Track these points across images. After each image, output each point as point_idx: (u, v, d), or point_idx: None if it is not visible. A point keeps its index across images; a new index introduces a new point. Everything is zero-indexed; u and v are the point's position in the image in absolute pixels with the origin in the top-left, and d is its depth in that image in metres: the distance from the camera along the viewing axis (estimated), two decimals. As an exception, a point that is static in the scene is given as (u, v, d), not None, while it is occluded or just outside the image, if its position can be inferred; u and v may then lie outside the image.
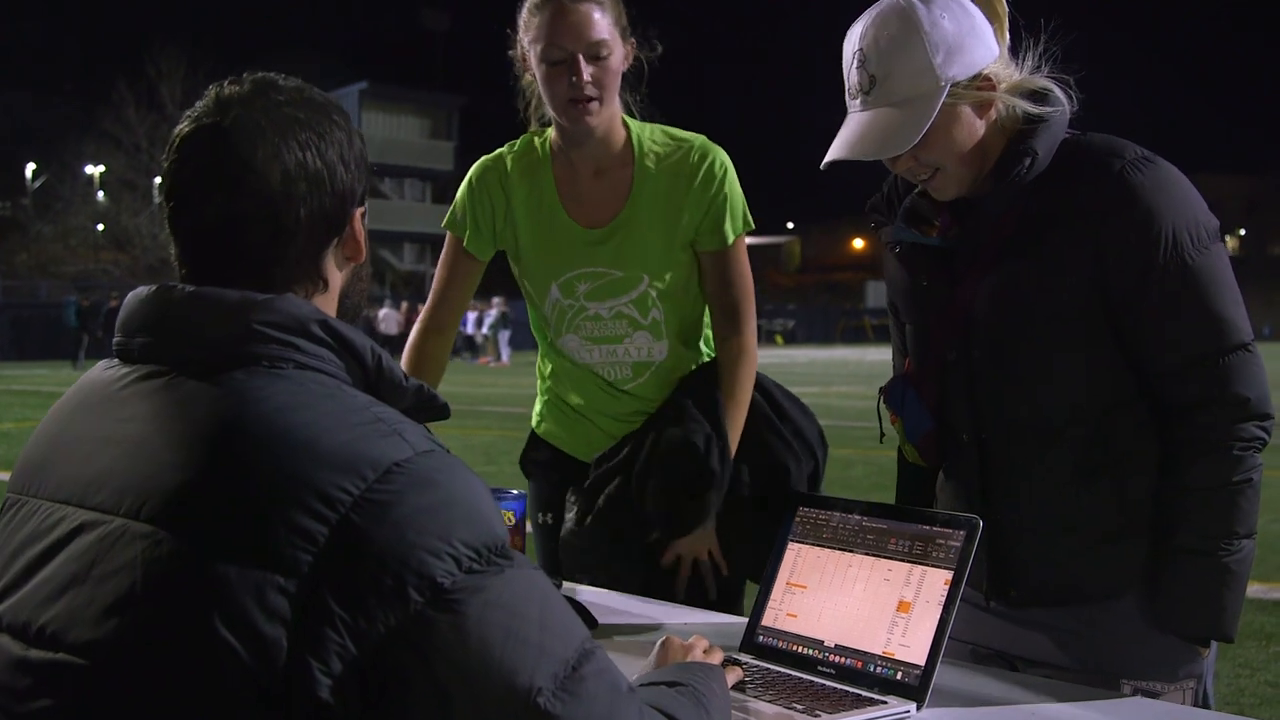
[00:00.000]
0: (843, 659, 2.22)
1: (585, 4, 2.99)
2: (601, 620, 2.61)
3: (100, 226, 68.05)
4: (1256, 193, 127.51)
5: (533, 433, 3.51)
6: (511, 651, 1.43)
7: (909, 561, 2.21)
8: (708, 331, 3.39)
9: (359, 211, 1.72)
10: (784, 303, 79.12)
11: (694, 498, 3.09)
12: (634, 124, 3.24)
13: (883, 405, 2.61)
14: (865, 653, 2.19)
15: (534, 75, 3.13)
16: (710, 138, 3.28)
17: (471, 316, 48.04)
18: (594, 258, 3.18)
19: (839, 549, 2.33)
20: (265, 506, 1.41)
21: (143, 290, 1.64)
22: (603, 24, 3.01)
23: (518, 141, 3.33)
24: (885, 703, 2.07)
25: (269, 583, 1.38)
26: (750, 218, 3.28)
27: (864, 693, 2.11)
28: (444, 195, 75.93)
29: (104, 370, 1.66)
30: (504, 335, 45.00)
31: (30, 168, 71.87)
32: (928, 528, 2.23)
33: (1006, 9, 2.43)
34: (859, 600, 2.25)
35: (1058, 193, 2.34)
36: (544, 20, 3.00)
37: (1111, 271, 2.29)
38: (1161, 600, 2.32)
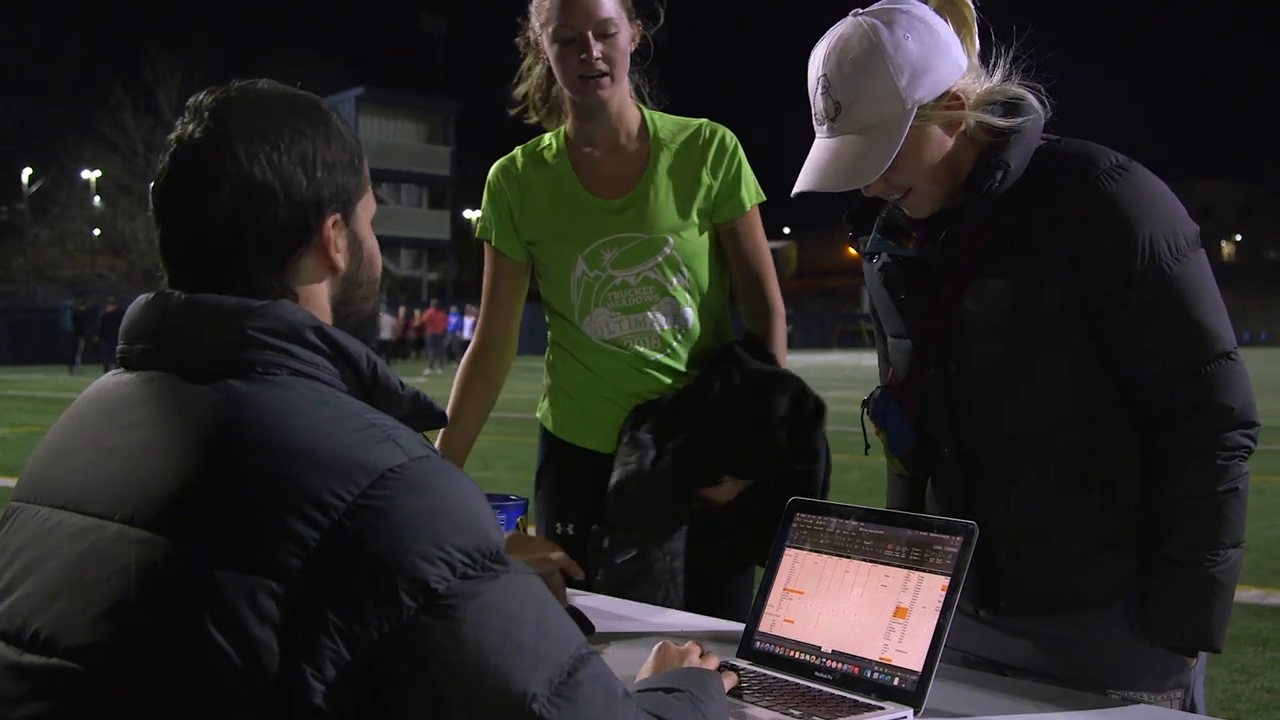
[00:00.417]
0: (839, 664, 2.21)
1: None
2: (598, 626, 2.61)
3: (97, 231, 68.12)
4: (1252, 198, 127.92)
5: (553, 440, 3.48)
6: (507, 657, 1.43)
7: (906, 567, 2.21)
8: (725, 326, 3.43)
9: (330, 220, 1.68)
10: (781, 308, 78.36)
11: (793, 433, 3.18)
12: (645, 109, 3.37)
13: (867, 418, 2.60)
14: (862, 658, 2.18)
15: (545, 57, 3.25)
16: None
17: (468, 323, 48.14)
18: (617, 225, 3.26)
19: (836, 555, 2.32)
20: (258, 511, 1.42)
21: (142, 298, 1.66)
22: (609, 4, 3.14)
23: (530, 142, 3.43)
24: (882, 708, 2.06)
25: (260, 586, 1.38)
26: (761, 189, 3.40)
27: (861, 698, 2.10)
28: (440, 200, 76.41)
29: (109, 378, 1.67)
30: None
31: (27, 172, 71.93)
32: (925, 533, 2.22)
33: (974, 13, 2.40)
34: (856, 606, 2.24)
35: (1032, 203, 2.32)
36: (555, 3, 3.14)
37: (1089, 281, 2.28)
38: (1148, 610, 2.32)
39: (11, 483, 12.40)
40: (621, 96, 3.28)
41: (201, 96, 1.70)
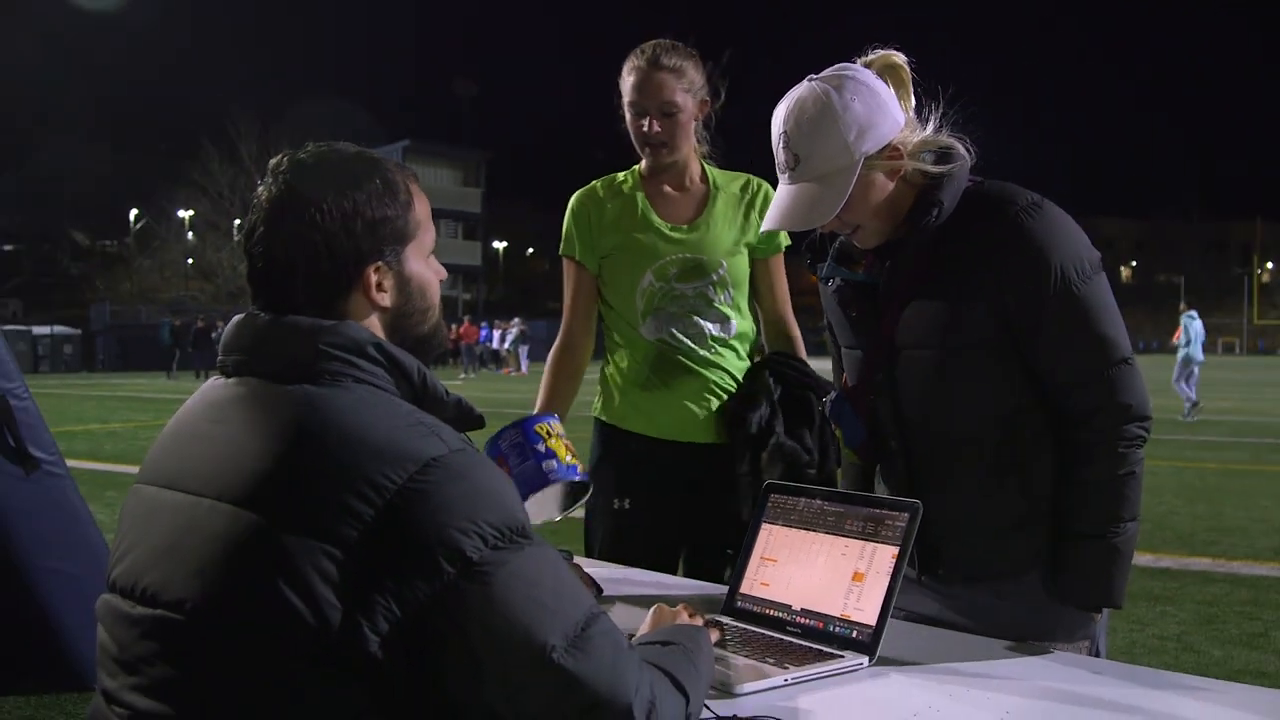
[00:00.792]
0: (807, 620, 2.20)
1: (661, 73, 3.23)
2: (605, 590, 2.60)
3: (190, 260, 68.31)
4: (1144, 233, 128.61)
5: (609, 430, 3.44)
6: (531, 614, 1.44)
7: (862, 539, 2.20)
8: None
9: (373, 267, 1.69)
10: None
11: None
12: (704, 163, 3.46)
13: (825, 415, 2.62)
14: (826, 615, 2.18)
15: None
16: None
17: (496, 334, 48.17)
18: (683, 247, 3.31)
19: (805, 529, 2.32)
20: (324, 490, 1.44)
21: (236, 318, 1.70)
22: (675, 88, 3.24)
23: (605, 176, 3.50)
24: (842, 657, 2.06)
25: (324, 552, 1.41)
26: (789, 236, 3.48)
27: (825, 648, 2.10)
28: (473, 233, 76.76)
29: (210, 384, 1.70)
30: (523, 349, 45.06)
31: (133, 213, 72.14)
32: (878, 510, 2.22)
33: (910, 75, 2.39)
34: (821, 571, 2.24)
35: (962, 235, 2.32)
36: (631, 83, 3.26)
37: (1010, 301, 2.27)
38: (1061, 576, 2.31)
39: (123, 468, 12.48)
40: (686, 153, 3.36)
41: (280, 159, 1.72)
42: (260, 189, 1.69)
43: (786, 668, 2.00)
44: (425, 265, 1.79)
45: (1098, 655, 2.36)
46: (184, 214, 68.37)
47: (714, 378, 3.31)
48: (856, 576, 2.17)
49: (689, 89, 3.25)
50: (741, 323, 3.39)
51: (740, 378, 3.35)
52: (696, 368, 3.30)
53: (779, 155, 2.34)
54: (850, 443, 2.56)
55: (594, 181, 3.49)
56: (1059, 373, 2.29)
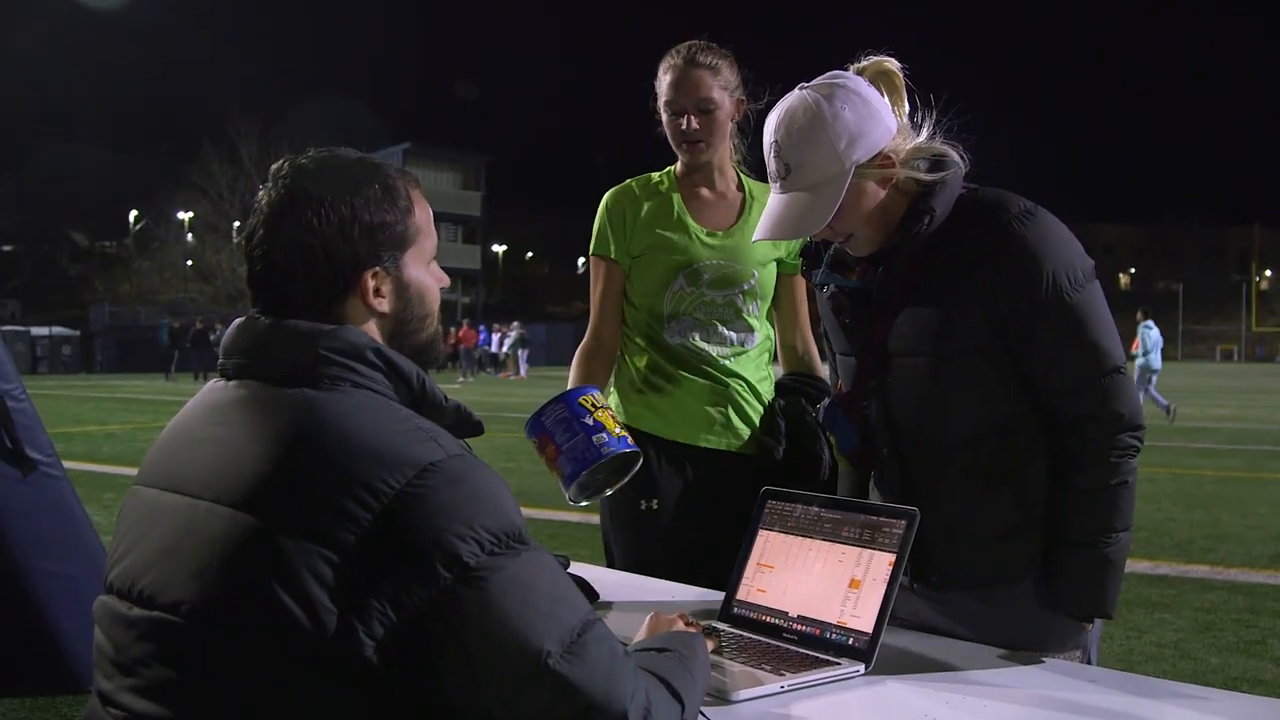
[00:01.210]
0: (804, 627, 2.20)
1: (698, 70, 3.23)
2: (603, 596, 2.60)
3: (189, 262, 68.36)
4: (1143, 240, 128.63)
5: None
6: (526, 620, 1.44)
7: (859, 546, 2.20)
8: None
9: (370, 272, 1.69)
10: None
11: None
12: (739, 171, 3.45)
13: (819, 422, 2.61)
14: (822, 622, 2.17)
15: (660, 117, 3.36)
16: None
17: (495, 338, 48.16)
18: (716, 253, 3.29)
19: (801, 535, 2.31)
20: (322, 494, 1.44)
21: (236, 321, 1.71)
22: (712, 85, 3.24)
23: (640, 176, 3.47)
24: (839, 664, 2.06)
25: (320, 556, 1.41)
26: None
27: (821, 655, 2.10)
28: (472, 236, 76.87)
29: (210, 386, 1.71)
30: (522, 353, 45.05)
31: (132, 214, 72.19)
32: (874, 518, 2.21)
33: (904, 81, 2.39)
34: (817, 578, 2.24)
35: (955, 242, 2.31)
36: (669, 81, 3.25)
37: (1003, 309, 2.27)
38: (1053, 585, 2.31)
39: (120, 470, 12.47)
40: (722, 155, 3.35)
41: (281, 164, 1.72)
42: (261, 193, 1.69)
43: (783, 675, 1.99)
44: (425, 271, 1.78)
45: (1089, 664, 2.36)
46: (184, 216, 68.36)
47: (734, 386, 3.28)
48: (853, 583, 2.17)
49: (725, 87, 3.25)
50: (763, 336, 3.37)
51: (755, 387, 3.32)
52: (717, 375, 3.28)
53: (770, 164, 2.35)
54: (843, 449, 2.56)
55: (629, 180, 3.46)
56: (1051, 380, 2.29)
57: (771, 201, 2.36)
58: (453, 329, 45.38)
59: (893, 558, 2.14)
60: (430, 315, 1.80)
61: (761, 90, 3.31)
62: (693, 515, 3.25)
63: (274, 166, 1.73)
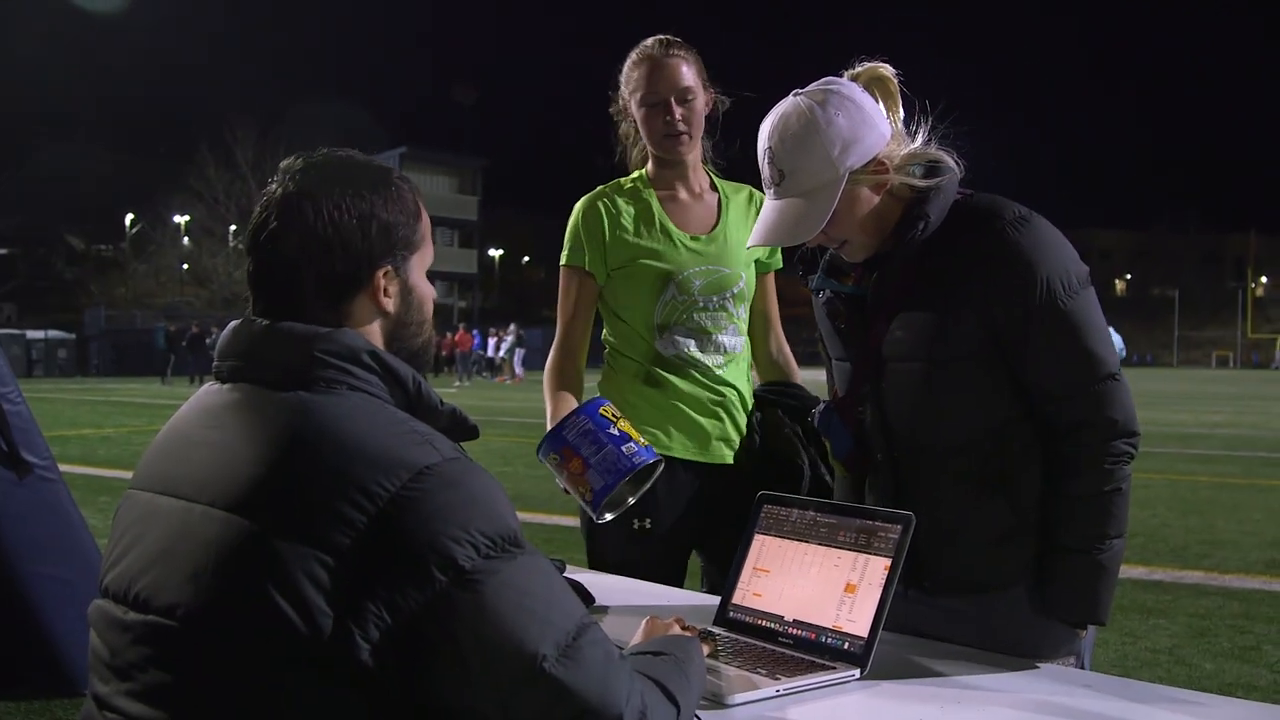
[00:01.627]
0: (799, 631, 2.20)
1: (674, 60, 3.18)
2: (599, 600, 2.59)
3: (185, 266, 68.37)
4: (1139, 245, 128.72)
5: None
6: (522, 624, 1.44)
7: (855, 550, 2.20)
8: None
9: (382, 270, 1.69)
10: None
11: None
12: (708, 169, 3.40)
13: (815, 428, 2.61)
14: (818, 626, 2.18)
15: (634, 121, 3.28)
16: None
17: (491, 341, 48.14)
18: (705, 258, 3.23)
19: (797, 540, 2.32)
20: (317, 497, 1.44)
21: (232, 324, 1.70)
22: (689, 75, 3.19)
23: (610, 182, 3.39)
24: (834, 668, 2.06)
25: (315, 559, 1.41)
26: None
27: (817, 659, 2.10)
28: (469, 240, 76.89)
29: (205, 390, 1.70)
30: (518, 355, 44.99)
31: (129, 217, 72.18)
32: (870, 522, 2.22)
33: (898, 87, 2.40)
34: (813, 582, 2.24)
35: (950, 248, 2.32)
36: (643, 74, 3.19)
37: (997, 314, 2.27)
38: (1046, 591, 2.31)
39: (116, 473, 12.46)
40: (697, 153, 3.30)
41: (291, 160, 1.72)
42: (271, 188, 1.69)
43: (778, 679, 1.99)
44: (424, 280, 1.80)
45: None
46: (180, 219, 68.38)
47: (727, 395, 3.23)
48: (849, 588, 2.17)
49: (700, 77, 3.21)
50: (747, 341, 3.34)
51: (745, 395, 3.28)
52: (710, 384, 3.21)
53: (764, 171, 2.36)
54: (838, 454, 2.56)
55: (599, 188, 3.35)
56: (1045, 386, 2.29)
57: (766, 208, 2.37)
58: (448, 333, 45.39)
59: (888, 562, 2.14)
60: (426, 321, 1.81)
61: (726, 91, 3.30)
62: (685, 532, 3.20)
63: (284, 163, 1.73)
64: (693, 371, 3.21)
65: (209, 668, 1.45)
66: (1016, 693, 2.00)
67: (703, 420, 3.20)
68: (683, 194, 3.30)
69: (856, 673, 2.06)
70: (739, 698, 1.91)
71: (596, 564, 3.20)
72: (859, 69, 2.39)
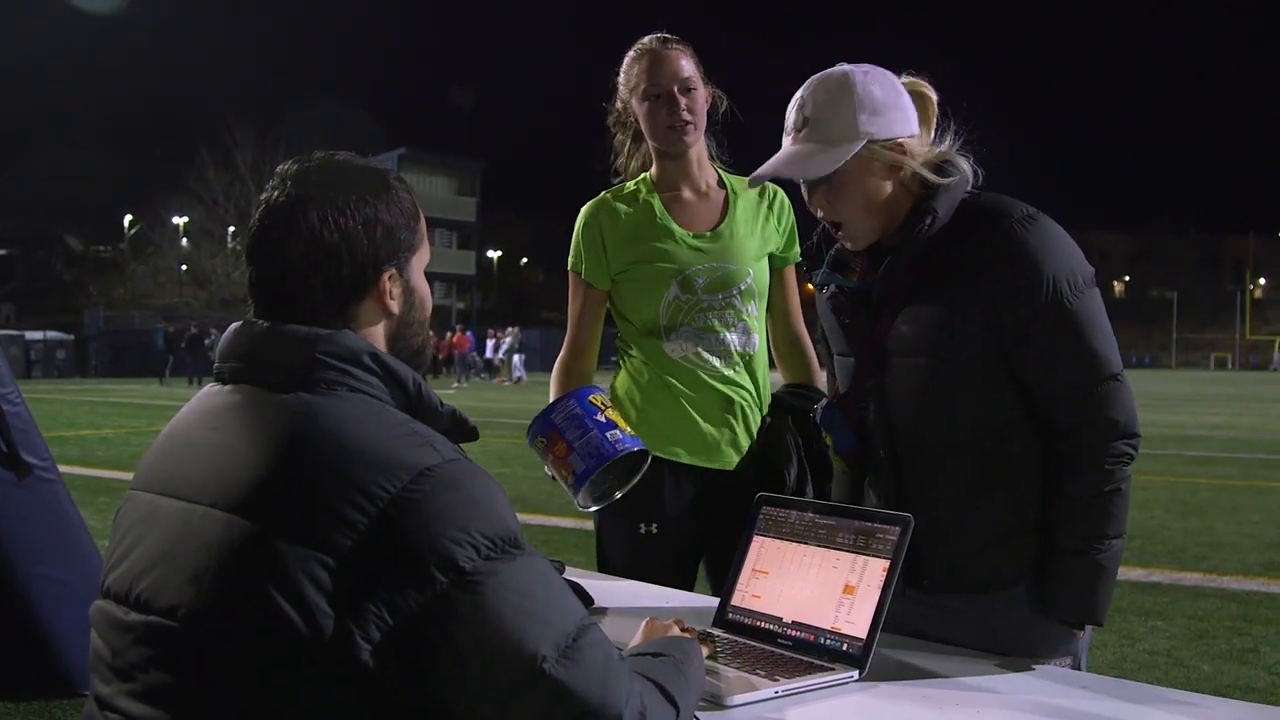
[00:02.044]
0: (798, 633, 2.21)
1: (673, 51, 3.19)
2: (598, 601, 2.60)
3: (184, 267, 68.37)
4: (1137, 248, 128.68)
5: None
6: (522, 625, 1.44)
7: (853, 552, 2.21)
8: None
9: (387, 274, 1.70)
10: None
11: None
12: (717, 166, 3.38)
13: (817, 424, 2.61)
14: (817, 628, 2.18)
15: (634, 121, 3.29)
16: None
17: (490, 344, 48.13)
18: (708, 256, 3.21)
19: (796, 541, 2.32)
20: (318, 498, 1.44)
21: (233, 326, 1.70)
22: (689, 67, 3.20)
23: (614, 186, 3.39)
24: (833, 669, 2.06)
25: (316, 560, 1.41)
26: None
27: (815, 661, 2.10)
28: (467, 242, 76.84)
29: (206, 391, 1.70)
30: (519, 359, 44.95)
31: (128, 218, 72.20)
32: (869, 524, 2.22)
33: (935, 109, 2.44)
34: (812, 584, 2.24)
35: (957, 245, 2.33)
36: (643, 67, 3.20)
37: (1002, 312, 2.28)
38: (1045, 591, 2.31)
39: (115, 474, 12.45)
40: (701, 147, 3.29)
41: (288, 165, 1.72)
42: (269, 194, 1.69)
43: (777, 680, 2.00)
44: (423, 280, 1.80)
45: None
46: (179, 220, 68.38)
47: (736, 397, 3.20)
48: (847, 590, 2.18)
49: (699, 70, 3.21)
50: (762, 338, 3.30)
51: (760, 396, 3.26)
52: (719, 387, 3.18)
53: (789, 118, 2.39)
54: (839, 449, 2.56)
55: (603, 193, 3.35)
56: (1048, 385, 2.30)
57: (781, 150, 2.40)
58: (447, 334, 45.36)
59: (887, 564, 2.15)
60: (425, 321, 1.82)
61: (725, 89, 3.31)
62: (692, 536, 3.19)
63: (281, 167, 1.72)
64: (700, 374, 3.19)
65: (210, 668, 1.45)
66: (1014, 694, 2.00)
67: (709, 427, 3.18)
68: (687, 192, 3.29)
69: (855, 674, 2.06)
70: (738, 699, 1.92)
71: (606, 568, 3.21)
72: (904, 80, 2.42)
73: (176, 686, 1.47)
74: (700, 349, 3.19)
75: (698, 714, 1.77)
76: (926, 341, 2.34)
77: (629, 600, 2.68)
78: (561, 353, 3.36)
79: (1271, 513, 10.69)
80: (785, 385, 3.43)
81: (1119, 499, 2.27)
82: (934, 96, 2.44)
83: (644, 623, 2.03)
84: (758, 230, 3.30)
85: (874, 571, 2.16)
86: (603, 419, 2.43)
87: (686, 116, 3.17)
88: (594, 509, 2.59)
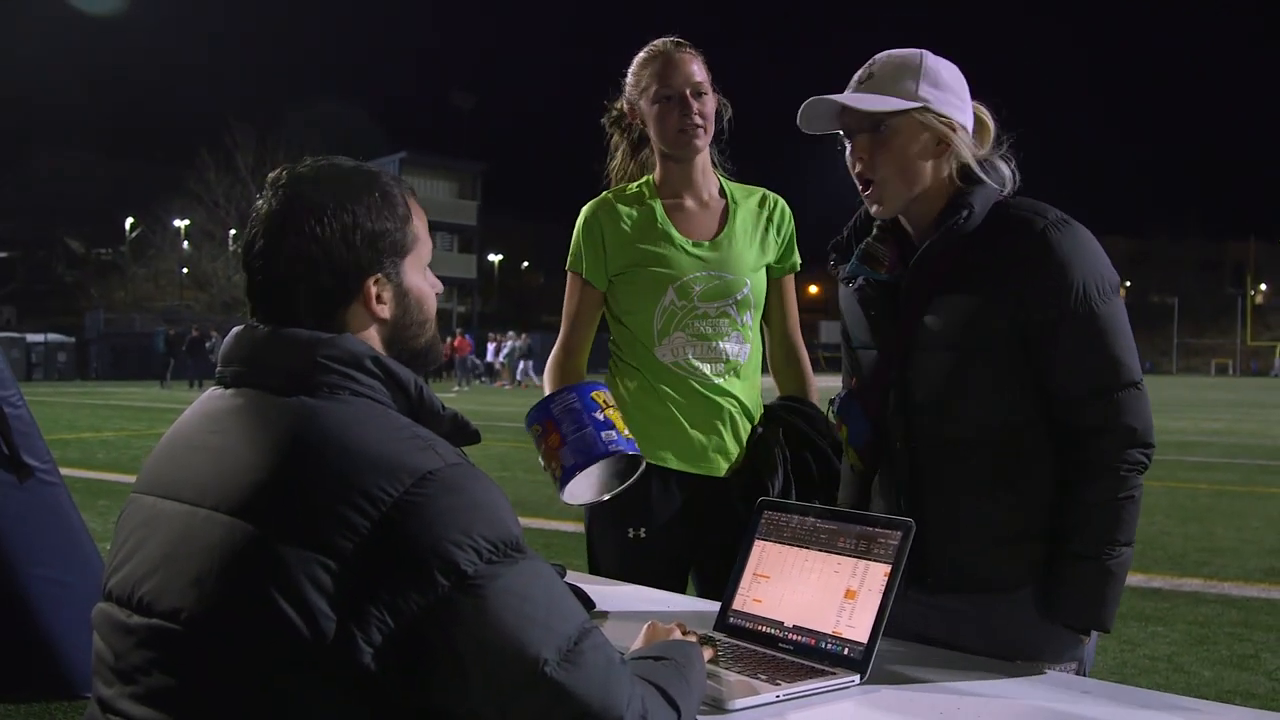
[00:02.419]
0: (799, 637, 2.21)
1: (685, 54, 3.19)
2: (600, 606, 2.60)
3: (185, 269, 68.38)
4: (1139, 252, 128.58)
5: None
6: (523, 629, 1.44)
7: (855, 556, 2.21)
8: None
9: (372, 279, 1.70)
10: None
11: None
12: (718, 174, 3.37)
13: (832, 414, 2.62)
14: (818, 632, 2.18)
15: (640, 121, 3.29)
16: None
17: (491, 347, 48.13)
18: (706, 264, 3.21)
19: (797, 545, 2.32)
20: (321, 502, 1.45)
21: (235, 330, 1.72)
22: (701, 71, 3.19)
23: (616, 188, 3.39)
24: (834, 674, 2.06)
25: (318, 563, 1.42)
26: None
27: (817, 665, 2.10)
28: (468, 245, 76.83)
29: (208, 395, 1.71)
30: (525, 364, 44.90)
31: (129, 221, 72.25)
32: (870, 528, 2.22)
33: (993, 135, 2.48)
34: (813, 588, 2.24)
35: (989, 244, 2.35)
36: (655, 70, 3.19)
37: (1030, 312, 2.29)
38: (1053, 595, 2.31)
39: (115, 477, 12.46)
40: (706, 155, 3.28)
41: (278, 173, 1.73)
42: (259, 203, 1.70)
43: (778, 684, 2.00)
44: (423, 278, 1.80)
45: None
46: (180, 223, 68.36)
47: (726, 406, 3.20)
48: (849, 594, 2.18)
49: (708, 75, 3.21)
50: (755, 348, 3.30)
51: (749, 406, 3.26)
52: (709, 395, 3.18)
53: (855, 76, 2.43)
54: (854, 440, 2.56)
55: (604, 193, 3.35)
56: (1069, 388, 2.31)
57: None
58: (448, 338, 45.38)
59: (888, 568, 2.15)
60: (428, 320, 1.81)
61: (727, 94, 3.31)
62: (681, 542, 3.18)
63: (271, 175, 1.73)
64: (691, 381, 3.19)
65: (212, 671, 1.46)
66: (1015, 699, 2.00)
67: (697, 433, 3.18)
68: (688, 200, 3.28)
69: (856, 678, 2.06)
70: (739, 703, 1.92)
71: (596, 572, 3.20)
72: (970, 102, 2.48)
73: (179, 689, 1.47)
74: (692, 356, 3.19)
75: (699, 718, 1.77)
76: (951, 335, 2.36)
77: (630, 604, 2.69)
78: (555, 351, 3.36)
79: (1272, 519, 10.69)
80: (779, 398, 3.42)
81: (1131, 506, 2.28)
82: (992, 125, 2.48)
83: (645, 626, 2.04)
84: (756, 241, 3.30)
85: (875, 576, 2.16)
86: (601, 417, 2.42)
87: (698, 120, 3.17)
88: (578, 504, 2.58)
